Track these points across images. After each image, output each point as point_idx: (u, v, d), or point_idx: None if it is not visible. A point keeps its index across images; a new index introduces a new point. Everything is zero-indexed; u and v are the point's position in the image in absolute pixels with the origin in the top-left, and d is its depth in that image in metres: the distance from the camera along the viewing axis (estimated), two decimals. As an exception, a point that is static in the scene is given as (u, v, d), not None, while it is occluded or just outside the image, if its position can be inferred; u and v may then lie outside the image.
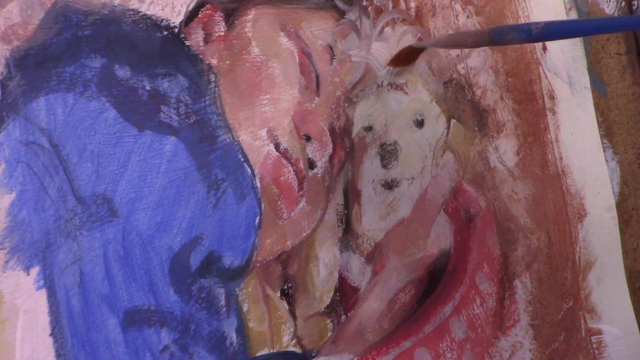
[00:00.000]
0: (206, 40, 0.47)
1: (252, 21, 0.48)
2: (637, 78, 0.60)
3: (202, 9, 0.47)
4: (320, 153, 0.50)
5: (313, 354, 0.50)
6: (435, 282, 0.54)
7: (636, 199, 0.60)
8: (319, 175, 0.50)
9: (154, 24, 0.45)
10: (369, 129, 0.52)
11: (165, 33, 0.46)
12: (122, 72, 0.44)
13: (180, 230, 0.46)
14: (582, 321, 0.57)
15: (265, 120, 0.48)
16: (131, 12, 0.45)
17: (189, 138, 0.46)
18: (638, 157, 0.60)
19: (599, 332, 0.58)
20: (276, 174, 0.48)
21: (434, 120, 0.54)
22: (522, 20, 0.56)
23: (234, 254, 0.47)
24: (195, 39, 0.47)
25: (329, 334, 0.50)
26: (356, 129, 0.52)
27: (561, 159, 0.57)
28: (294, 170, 0.49)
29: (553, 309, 0.57)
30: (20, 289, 0.42)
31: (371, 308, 0.51)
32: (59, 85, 0.43)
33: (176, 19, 0.46)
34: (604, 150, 0.58)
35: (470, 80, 0.55)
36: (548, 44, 0.57)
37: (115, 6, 0.44)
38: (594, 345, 0.57)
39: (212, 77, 0.47)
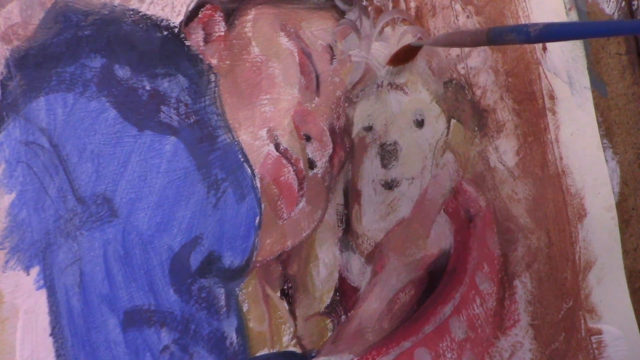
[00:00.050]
0: (206, 40, 0.47)
1: (252, 21, 0.48)
2: (637, 78, 0.60)
3: (202, 9, 0.47)
4: (320, 153, 0.50)
5: (313, 354, 0.50)
6: (435, 282, 0.54)
7: (636, 199, 0.60)
8: (319, 175, 0.50)
9: (154, 24, 0.45)
10: (369, 129, 0.52)
11: (165, 33, 0.46)
12: (122, 72, 0.44)
13: (180, 230, 0.46)
14: (582, 321, 0.57)
15: (265, 120, 0.48)
16: (131, 12, 0.45)
17: (189, 138, 0.46)
18: (638, 157, 0.60)
19: (599, 332, 0.58)
20: (276, 174, 0.48)
21: (434, 120, 0.54)
22: (522, 20, 0.56)
23: (234, 254, 0.47)
24: (195, 39, 0.47)
25: (329, 334, 0.50)
26: (356, 129, 0.52)
27: (561, 159, 0.57)
28: (294, 170, 0.49)
29: (553, 309, 0.57)
30: (20, 289, 0.42)
31: (371, 308, 0.51)
32: (59, 85, 0.43)
33: (176, 19, 0.46)
34: (604, 150, 0.58)
35: (470, 80, 0.55)
36: (548, 44, 0.57)
37: (115, 6, 0.44)
38: (594, 345, 0.57)
39: (212, 77, 0.47)
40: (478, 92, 0.55)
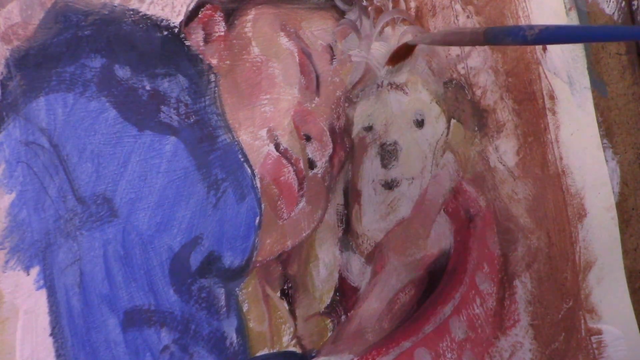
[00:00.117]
0: (206, 40, 0.47)
1: (252, 21, 0.48)
2: (637, 78, 0.60)
3: (202, 9, 0.47)
4: (320, 153, 0.50)
5: (313, 354, 0.50)
6: (435, 282, 0.54)
7: (636, 199, 0.60)
8: (319, 175, 0.50)
9: (154, 24, 0.45)
10: (369, 129, 0.52)
11: (165, 33, 0.46)
12: (122, 72, 0.44)
13: (180, 230, 0.46)
14: (582, 321, 0.57)
15: (265, 120, 0.48)
16: (131, 12, 0.45)
17: (189, 138, 0.46)
18: (638, 157, 0.60)
19: (599, 332, 0.58)
20: (276, 174, 0.48)
21: (434, 120, 0.54)
22: (522, 21, 0.56)
23: (234, 254, 0.47)
24: (195, 39, 0.47)
25: (329, 334, 0.50)
26: (356, 129, 0.52)
27: (561, 159, 0.57)
28: (294, 170, 0.49)
29: (553, 309, 0.57)
30: (20, 289, 0.42)
31: (371, 308, 0.51)
32: (59, 85, 0.43)
33: (176, 19, 0.46)
34: (604, 150, 0.58)
35: (470, 80, 0.55)
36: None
37: (115, 6, 0.44)
38: (594, 345, 0.57)
39: (212, 77, 0.47)
40: (478, 92, 0.55)
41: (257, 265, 0.48)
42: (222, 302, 0.47)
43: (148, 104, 0.45)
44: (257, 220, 0.48)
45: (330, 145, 0.50)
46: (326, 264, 0.50)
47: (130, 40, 0.45)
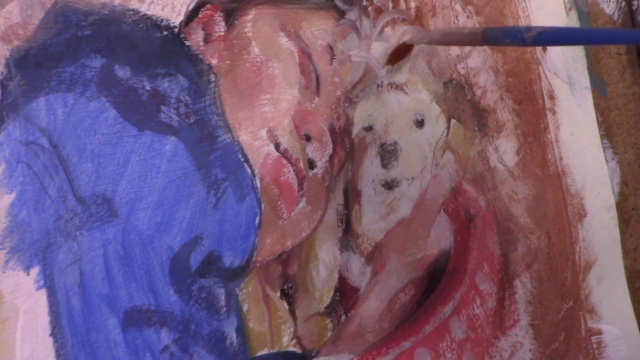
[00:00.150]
0: (206, 40, 0.47)
1: (252, 21, 0.48)
2: (637, 78, 0.60)
3: (202, 9, 0.47)
4: (320, 153, 0.50)
5: (313, 354, 0.50)
6: (435, 282, 0.54)
7: (636, 199, 0.60)
8: (319, 175, 0.50)
9: (154, 24, 0.45)
10: (369, 129, 0.52)
11: (165, 33, 0.46)
12: (122, 72, 0.44)
13: (180, 230, 0.46)
14: (582, 321, 0.57)
15: (265, 120, 0.48)
16: (131, 12, 0.45)
17: (189, 138, 0.46)
18: (638, 157, 0.60)
19: (599, 332, 0.58)
20: (276, 174, 0.48)
21: (434, 120, 0.54)
22: (522, 21, 0.56)
23: (234, 254, 0.47)
24: (195, 39, 0.47)
25: (329, 334, 0.50)
26: (356, 129, 0.52)
27: (561, 159, 0.57)
28: (294, 171, 0.49)
29: (553, 309, 0.57)
30: (20, 289, 0.42)
31: (371, 308, 0.51)
32: (59, 85, 0.43)
33: (176, 19, 0.46)
34: (604, 150, 0.58)
35: (470, 80, 0.55)
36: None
37: (115, 6, 0.44)
38: (594, 345, 0.57)
39: (212, 77, 0.47)
40: (478, 92, 0.55)
41: (257, 265, 0.48)
42: (222, 302, 0.47)
43: (148, 104, 0.45)
44: (257, 220, 0.48)
45: (330, 145, 0.50)
46: (326, 264, 0.50)
47: (130, 40, 0.45)
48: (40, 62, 0.43)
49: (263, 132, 0.48)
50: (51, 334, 0.42)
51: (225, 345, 0.47)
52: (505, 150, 0.56)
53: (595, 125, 0.58)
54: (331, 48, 0.51)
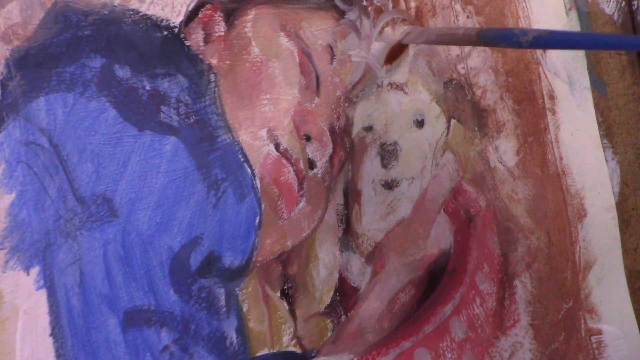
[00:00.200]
0: (206, 40, 0.47)
1: (252, 21, 0.48)
2: (637, 78, 0.60)
3: (202, 9, 0.47)
4: (320, 153, 0.50)
5: (313, 354, 0.50)
6: (435, 282, 0.54)
7: (636, 199, 0.60)
8: (319, 176, 0.50)
9: (154, 24, 0.45)
10: (369, 129, 0.52)
11: (165, 33, 0.46)
12: (122, 72, 0.44)
13: (180, 230, 0.46)
14: (582, 321, 0.57)
15: (265, 120, 0.48)
16: (131, 12, 0.45)
17: (189, 138, 0.46)
18: (638, 157, 0.60)
19: (599, 332, 0.58)
20: (276, 174, 0.48)
21: (434, 120, 0.54)
22: (522, 21, 0.56)
23: (234, 254, 0.47)
24: (195, 39, 0.47)
25: (329, 334, 0.50)
26: (356, 129, 0.52)
27: (561, 159, 0.57)
28: (294, 171, 0.49)
29: (553, 309, 0.57)
30: (20, 289, 0.42)
31: (371, 308, 0.51)
32: (59, 85, 0.43)
33: (176, 19, 0.46)
34: (604, 150, 0.58)
35: (470, 80, 0.55)
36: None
37: (115, 6, 0.44)
38: (594, 345, 0.57)
39: (212, 77, 0.47)
40: (478, 92, 0.55)
41: (257, 265, 0.48)
42: (222, 302, 0.47)
43: (148, 104, 0.45)
44: (257, 220, 0.48)
45: (330, 145, 0.50)
46: (326, 264, 0.50)
47: (130, 40, 0.45)
48: (40, 62, 0.43)
49: (263, 132, 0.48)
50: (51, 334, 0.42)
51: (225, 345, 0.47)
52: (505, 150, 0.56)
53: (595, 125, 0.58)
54: (331, 48, 0.51)
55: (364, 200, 0.52)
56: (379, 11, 0.52)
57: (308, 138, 0.49)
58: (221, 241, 0.47)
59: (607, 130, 0.59)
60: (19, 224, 0.42)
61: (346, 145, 0.51)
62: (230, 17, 0.48)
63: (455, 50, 0.54)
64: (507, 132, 0.56)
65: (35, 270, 0.42)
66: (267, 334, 0.48)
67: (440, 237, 0.54)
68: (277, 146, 0.48)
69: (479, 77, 0.55)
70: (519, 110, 0.56)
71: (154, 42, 0.45)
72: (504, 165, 0.56)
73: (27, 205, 0.42)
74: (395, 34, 0.52)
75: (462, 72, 0.55)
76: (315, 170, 0.50)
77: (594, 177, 0.58)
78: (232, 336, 0.47)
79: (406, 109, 0.53)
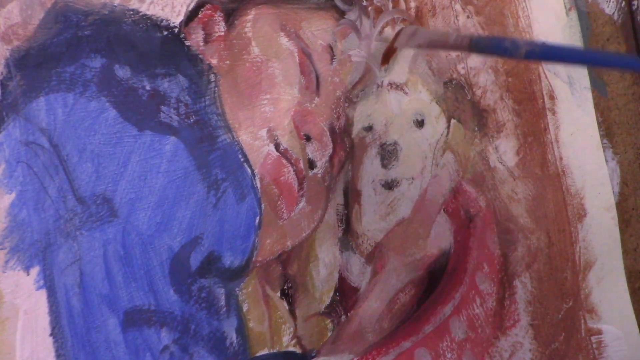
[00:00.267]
0: (206, 40, 0.47)
1: (252, 21, 0.48)
2: (637, 78, 0.60)
3: (202, 9, 0.47)
4: (320, 153, 0.50)
5: (313, 354, 0.50)
6: (435, 282, 0.54)
7: (636, 199, 0.60)
8: (319, 176, 0.50)
9: (154, 24, 0.45)
10: (369, 129, 0.52)
11: (165, 33, 0.46)
12: (122, 72, 0.44)
13: (180, 230, 0.46)
14: (582, 321, 0.57)
15: (265, 120, 0.48)
16: (131, 12, 0.45)
17: (189, 138, 0.46)
18: (638, 157, 0.60)
19: (599, 332, 0.58)
20: (276, 174, 0.48)
21: (434, 120, 0.54)
22: (522, 21, 0.56)
23: (234, 254, 0.47)
24: (195, 39, 0.47)
25: (329, 334, 0.50)
26: (356, 129, 0.52)
27: (561, 159, 0.57)
28: (294, 171, 0.49)
29: (553, 309, 0.57)
30: (20, 289, 0.42)
31: (371, 308, 0.51)
32: (59, 85, 0.43)
33: (176, 19, 0.46)
34: (604, 150, 0.58)
35: (470, 80, 0.55)
36: (548, 43, 0.57)
37: (115, 6, 0.44)
38: (594, 345, 0.57)
39: (212, 77, 0.47)
40: (478, 92, 0.55)
41: (257, 265, 0.48)
42: (222, 302, 0.47)
43: (148, 104, 0.45)
44: (257, 220, 0.48)
45: (330, 145, 0.50)
46: (326, 264, 0.50)
47: (130, 40, 0.45)
48: (40, 62, 0.43)
49: (263, 132, 0.48)
50: (51, 334, 0.42)
51: (225, 345, 0.47)
52: (505, 150, 0.56)
53: (595, 125, 0.58)
54: (331, 48, 0.51)
55: (364, 200, 0.52)
56: (379, 11, 0.52)
57: (308, 138, 0.49)
58: (221, 241, 0.47)
59: (607, 130, 0.59)
60: (19, 224, 0.42)
61: (346, 145, 0.51)
62: (230, 17, 0.48)
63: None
64: (507, 132, 0.56)
65: (35, 270, 0.42)
66: (267, 334, 0.48)
67: (440, 237, 0.54)
68: (277, 146, 0.48)
69: (479, 77, 0.55)
70: (519, 110, 0.56)
71: (154, 42, 0.45)
72: (504, 165, 0.56)
73: (27, 205, 0.42)
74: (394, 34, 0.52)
75: (462, 72, 0.55)
76: (315, 170, 0.50)
77: (594, 177, 0.58)
78: (232, 336, 0.47)
79: (406, 109, 0.53)
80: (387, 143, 0.52)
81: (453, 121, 0.54)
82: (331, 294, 0.51)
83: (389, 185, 0.53)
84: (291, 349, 0.49)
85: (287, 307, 0.49)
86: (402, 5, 0.53)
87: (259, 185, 0.48)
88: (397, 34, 0.51)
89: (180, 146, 0.46)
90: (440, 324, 0.53)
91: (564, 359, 0.57)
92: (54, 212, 0.43)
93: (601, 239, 0.58)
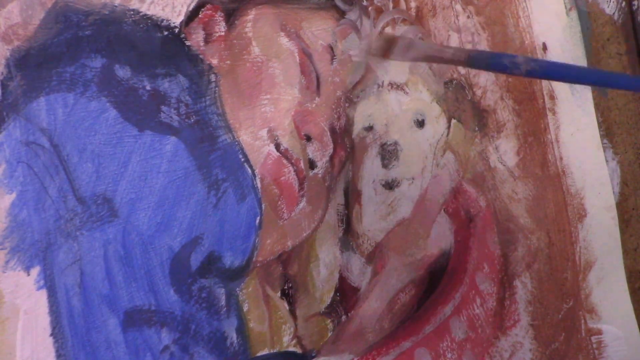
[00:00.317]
0: (206, 41, 0.47)
1: (252, 21, 0.48)
2: (637, 78, 0.60)
3: (202, 9, 0.47)
4: (320, 153, 0.50)
5: (313, 354, 0.50)
6: (435, 282, 0.54)
7: (636, 199, 0.60)
8: (320, 176, 0.50)
9: (154, 24, 0.45)
10: (369, 129, 0.52)
11: (166, 33, 0.46)
12: (123, 72, 0.44)
13: (181, 230, 0.46)
14: (582, 321, 0.57)
15: (266, 120, 0.48)
16: (132, 12, 0.45)
17: (189, 138, 0.46)
18: (638, 157, 0.60)
19: (599, 332, 0.58)
20: (277, 174, 0.48)
21: (434, 121, 0.54)
22: (523, 21, 0.56)
23: (234, 254, 0.47)
24: (196, 39, 0.47)
25: (329, 334, 0.50)
26: (357, 129, 0.52)
27: (561, 159, 0.57)
28: (294, 171, 0.49)
29: (553, 309, 0.57)
30: (20, 289, 0.42)
31: (371, 308, 0.52)
32: (59, 85, 0.43)
33: (176, 19, 0.46)
34: (604, 150, 0.58)
35: (471, 81, 0.55)
36: (548, 43, 0.57)
37: (115, 6, 0.44)
38: (594, 346, 0.58)
39: (213, 77, 0.47)
40: (478, 92, 0.55)
41: (258, 265, 0.48)
42: (223, 302, 0.47)
43: (148, 104, 0.45)
44: (257, 221, 0.48)
45: (331, 146, 0.50)
46: (326, 264, 0.50)
47: (131, 41, 0.45)
48: (40, 62, 0.43)
49: (263, 132, 0.48)
50: (51, 334, 0.42)
51: (226, 346, 0.47)
52: (505, 151, 0.56)
53: (596, 125, 0.58)
54: (331, 48, 0.51)
55: (365, 201, 0.52)
56: (380, 11, 0.52)
57: (308, 138, 0.49)
58: (221, 241, 0.47)
59: (607, 130, 0.59)
60: (19, 224, 0.42)
61: (347, 145, 0.51)
62: (231, 17, 0.48)
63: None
64: (507, 132, 0.56)
65: (35, 271, 0.42)
66: (267, 334, 0.48)
67: (440, 237, 0.54)
68: (277, 146, 0.48)
69: (480, 77, 0.55)
70: (519, 110, 0.56)
71: (154, 42, 0.45)
72: (504, 165, 0.56)
73: (27, 206, 0.42)
74: (395, 34, 0.52)
75: (463, 72, 0.55)
76: (315, 171, 0.50)
77: (594, 177, 0.58)
78: (233, 336, 0.47)
79: (407, 109, 0.53)
80: (388, 143, 0.52)
81: (453, 121, 0.55)
82: (331, 294, 0.51)
83: (390, 185, 0.53)
84: (291, 349, 0.49)
85: (287, 307, 0.49)
86: (403, 5, 0.53)
87: (259, 185, 0.48)
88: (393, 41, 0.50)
89: (181, 146, 0.46)
90: (441, 324, 0.53)
91: (564, 359, 0.57)
92: (55, 212, 0.43)
93: (601, 239, 0.58)
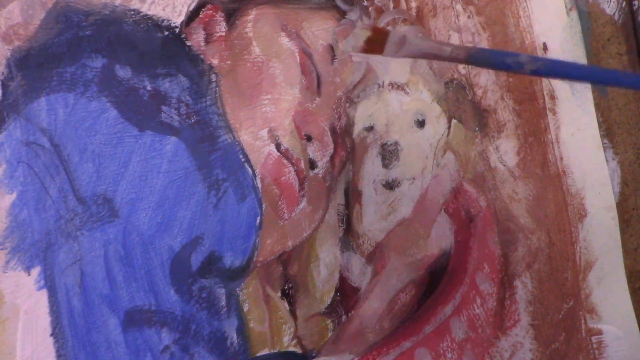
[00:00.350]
0: (207, 41, 0.47)
1: (253, 21, 0.48)
2: (638, 78, 0.60)
3: (203, 9, 0.47)
4: (321, 153, 0.50)
5: (313, 354, 0.50)
6: (435, 282, 0.54)
7: (636, 199, 0.60)
8: (320, 176, 0.50)
9: (154, 24, 0.45)
10: (369, 129, 0.52)
11: (166, 33, 0.46)
12: (123, 72, 0.44)
13: (181, 230, 0.46)
14: (582, 321, 0.57)
15: (266, 120, 0.48)
16: (132, 12, 0.45)
17: (189, 138, 0.46)
18: (638, 157, 0.60)
19: (599, 332, 0.58)
20: (277, 174, 0.48)
21: (434, 121, 0.54)
22: (523, 20, 0.56)
23: (234, 254, 0.47)
24: (196, 39, 0.47)
25: (330, 334, 0.50)
26: (357, 129, 0.52)
27: (562, 159, 0.57)
28: (294, 171, 0.49)
29: (553, 309, 0.57)
30: (21, 289, 0.42)
31: (372, 308, 0.51)
32: (60, 85, 0.43)
33: (177, 19, 0.46)
34: (605, 150, 0.58)
35: (471, 81, 0.55)
36: (548, 43, 0.57)
37: (116, 6, 0.44)
38: (594, 346, 0.58)
39: (213, 77, 0.47)
40: (479, 92, 0.55)
41: (258, 265, 0.48)
42: (223, 302, 0.47)
43: (149, 104, 0.45)
44: (257, 221, 0.48)
45: (331, 146, 0.50)
46: (327, 264, 0.50)
47: (131, 41, 0.45)
48: (41, 62, 0.43)
49: (264, 132, 0.48)
50: (52, 334, 0.42)
51: (226, 346, 0.47)
52: (505, 151, 0.56)
53: (596, 125, 0.58)
54: (332, 48, 0.51)
55: (365, 201, 0.52)
56: (380, 11, 0.52)
57: (309, 138, 0.49)
58: (222, 241, 0.47)
59: (608, 130, 0.59)
60: (19, 224, 0.42)
61: (347, 145, 0.51)
62: (231, 17, 0.48)
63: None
64: (507, 132, 0.56)
65: (36, 271, 0.42)
66: (267, 334, 0.48)
67: (440, 237, 0.54)
68: (278, 146, 0.48)
69: (480, 77, 0.55)
70: (519, 111, 0.56)
71: (154, 42, 0.45)
72: (504, 165, 0.56)
73: (27, 206, 0.42)
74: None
75: (463, 72, 0.55)
76: (316, 171, 0.50)
77: (594, 177, 0.58)
78: (233, 336, 0.47)
79: (407, 109, 0.53)
80: (388, 143, 0.52)
81: (454, 121, 0.54)
82: (332, 294, 0.51)
83: (390, 185, 0.53)
84: (292, 349, 0.49)
85: (287, 307, 0.49)
86: (403, 5, 0.53)
87: (259, 185, 0.48)
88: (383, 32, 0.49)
89: (181, 146, 0.46)
90: (441, 324, 0.53)
91: (564, 359, 0.57)
92: (55, 212, 0.43)
93: (601, 239, 0.58)
